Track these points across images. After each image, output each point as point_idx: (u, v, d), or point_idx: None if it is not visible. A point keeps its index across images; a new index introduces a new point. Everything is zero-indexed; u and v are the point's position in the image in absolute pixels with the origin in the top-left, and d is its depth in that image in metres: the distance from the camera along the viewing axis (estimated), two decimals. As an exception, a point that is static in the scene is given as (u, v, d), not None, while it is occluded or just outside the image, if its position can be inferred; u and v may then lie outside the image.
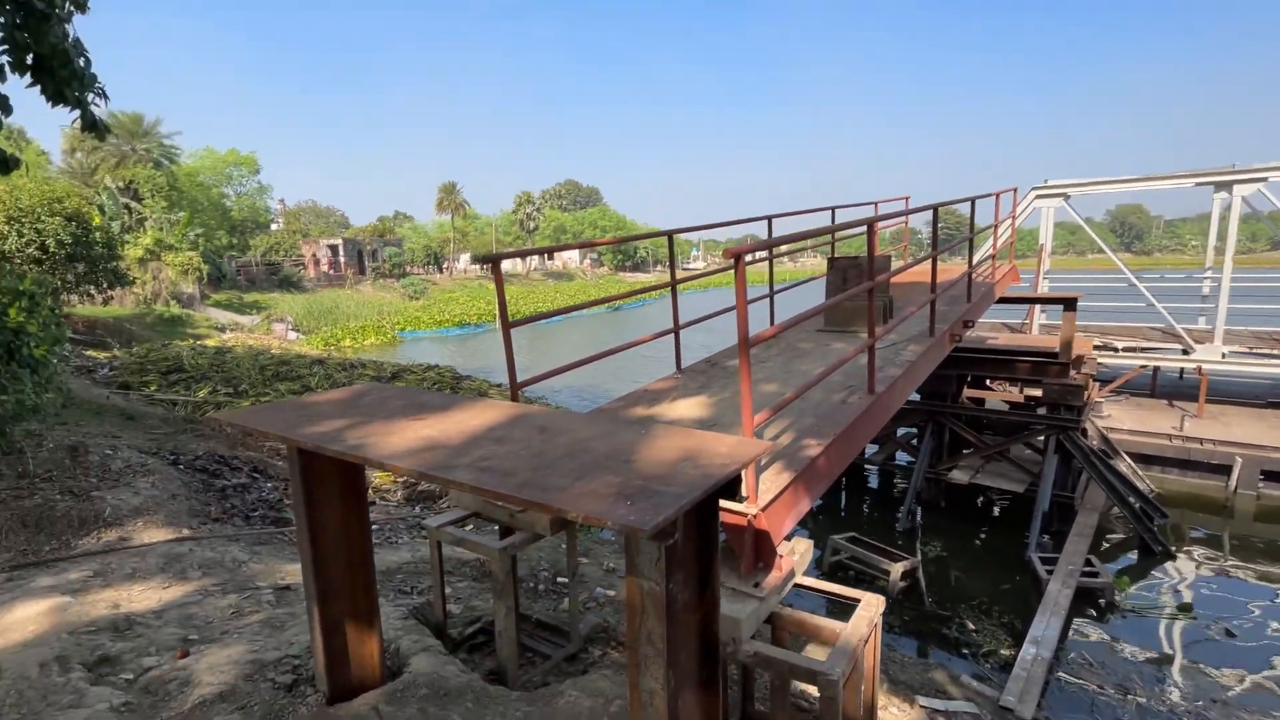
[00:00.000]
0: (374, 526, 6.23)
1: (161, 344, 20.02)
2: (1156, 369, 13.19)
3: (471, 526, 5.29)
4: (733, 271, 2.77)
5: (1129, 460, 10.77)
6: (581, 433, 2.32)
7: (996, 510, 10.51)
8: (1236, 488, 10.39)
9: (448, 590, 4.49)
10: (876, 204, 10.82)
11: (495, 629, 3.71)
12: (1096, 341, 12.71)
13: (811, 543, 3.27)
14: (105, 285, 18.76)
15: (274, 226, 54.60)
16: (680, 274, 5.69)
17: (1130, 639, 6.98)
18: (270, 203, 55.26)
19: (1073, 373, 9.30)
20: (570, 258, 76.27)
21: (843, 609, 3.23)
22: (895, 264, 11.92)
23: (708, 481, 1.83)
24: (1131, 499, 9.04)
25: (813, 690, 3.81)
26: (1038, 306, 13.98)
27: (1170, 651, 6.82)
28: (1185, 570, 8.56)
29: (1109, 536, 9.52)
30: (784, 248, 9.08)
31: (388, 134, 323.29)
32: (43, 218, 15.89)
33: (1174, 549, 8.95)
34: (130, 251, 27.22)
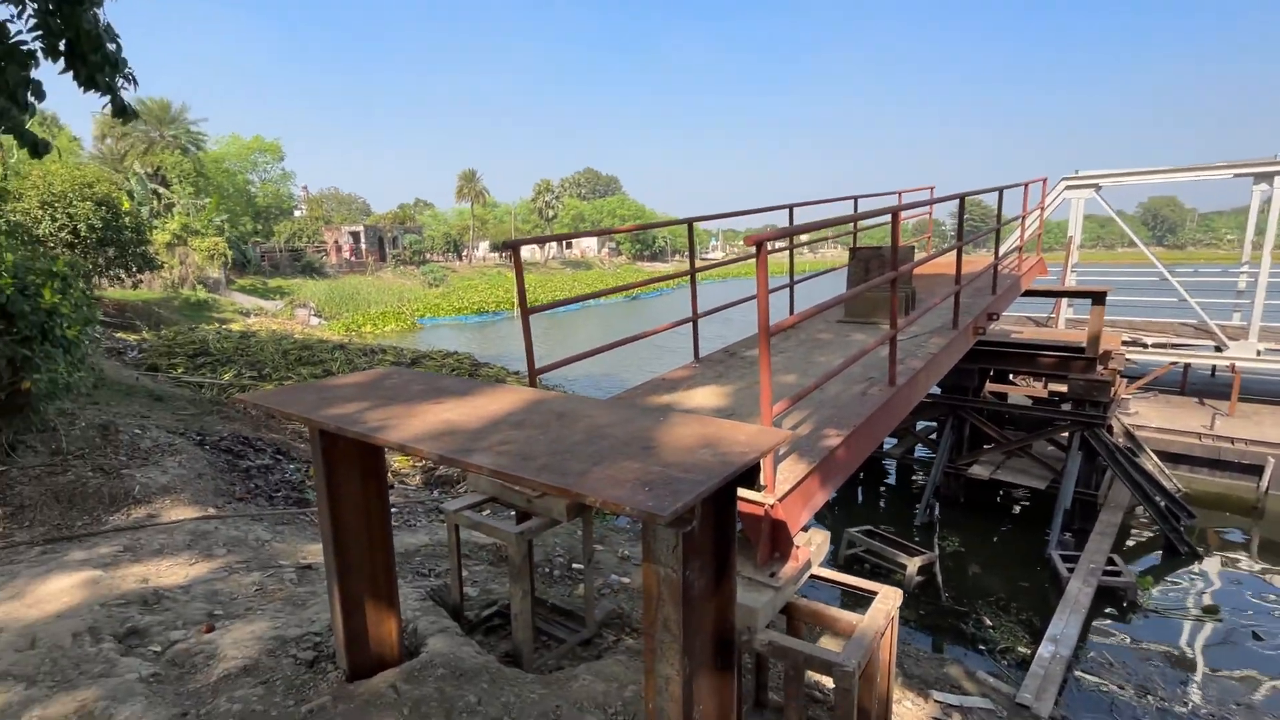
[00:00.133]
0: (393, 509, 6.33)
1: (188, 327, 20.44)
2: (1187, 366, 12.85)
3: (489, 511, 5.34)
4: (753, 261, 2.74)
5: (1155, 458, 10.54)
6: (600, 419, 2.32)
7: (1017, 507, 10.37)
8: (1268, 489, 10.14)
9: (465, 573, 4.55)
10: (900, 193, 10.64)
11: (511, 612, 3.75)
12: (1125, 337, 12.41)
13: (828, 534, 3.25)
14: (134, 269, 19.14)
15: (297, 213, 55.34)
16: (699, 263, 5.64)
17: (1152, 639, 6.87)
18: (294, 189, 56.09)
19: (1099, 368, 9.10)
20: (588, 246, 76.28)
21: (859, 601, 3.21)
22: (918, 255, 11.73)
23: (726, 469, 1.82)
24: (1157, 498, 8.86)
25: (827, 681, 3.81)
26: (1065, 300, 13.68)
27: (1193, 653, 6.70)
28: (1211, 571, 8.37)
29: (1133, 535, 9.35)
30: (804, 238, 8.98)
31: (409, 122, 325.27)
32: (74, 202, 16.23)
33: (1200, 550, 8.76)
34: (158, 236, 27.75)
